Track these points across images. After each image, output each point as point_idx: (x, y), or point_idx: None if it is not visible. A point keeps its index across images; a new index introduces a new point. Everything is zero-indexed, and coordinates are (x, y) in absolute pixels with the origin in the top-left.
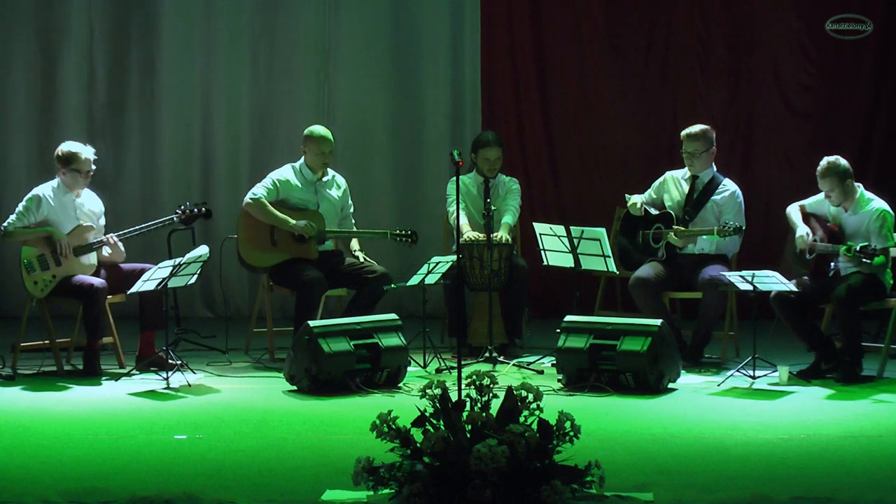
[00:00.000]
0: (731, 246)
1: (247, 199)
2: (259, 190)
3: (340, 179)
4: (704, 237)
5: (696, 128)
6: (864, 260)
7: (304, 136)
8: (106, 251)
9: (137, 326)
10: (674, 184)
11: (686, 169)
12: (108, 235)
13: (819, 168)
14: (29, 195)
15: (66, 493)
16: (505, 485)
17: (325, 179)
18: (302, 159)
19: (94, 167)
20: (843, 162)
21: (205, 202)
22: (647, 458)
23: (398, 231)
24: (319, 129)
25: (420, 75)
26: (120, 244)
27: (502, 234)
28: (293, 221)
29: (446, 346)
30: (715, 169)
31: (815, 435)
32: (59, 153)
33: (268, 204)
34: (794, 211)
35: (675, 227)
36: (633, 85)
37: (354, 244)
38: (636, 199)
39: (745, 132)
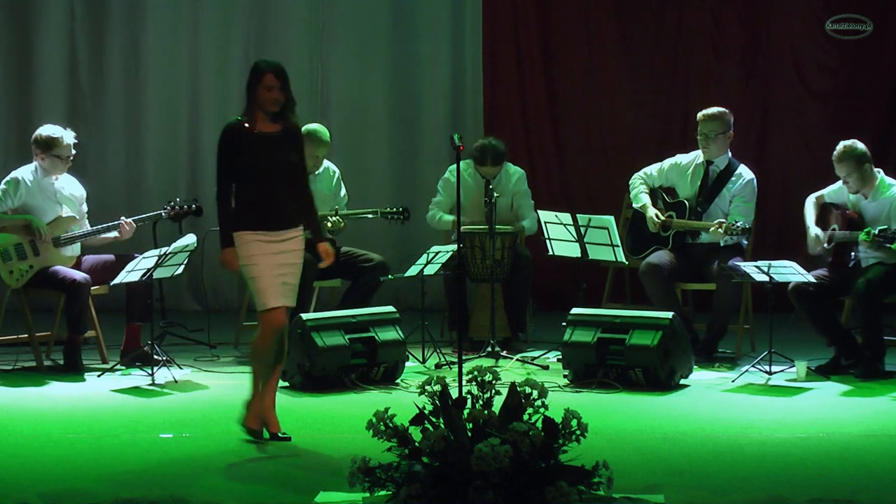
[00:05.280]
0: (738, 239)
1: None
2: None
3: (333, 168)
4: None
5: (714, 109)
6: (883, 244)
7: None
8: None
9: (121, 319)
10: (685, 172)
11: (698, 153)
12: (126, 220)
13: (835, 153)
14: (7, 178)
15: (46, 495)
16: (508, 486)
17: (316, 174)
18: None
19: (74, 152)
20: (861, 146)
21: (195, 199)
22: (657, 459)
23: (389, 209)
24: (317, 131)
25: (419, 55)
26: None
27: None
28: None
29: (446, 341)
30: (730, 155)
31: (834, 434)
32: (38, 137)
33: None
34: (808, 207)
35: (676, 220)
36: (642, 64)
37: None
38: (652, 213)
39: (760, 115)
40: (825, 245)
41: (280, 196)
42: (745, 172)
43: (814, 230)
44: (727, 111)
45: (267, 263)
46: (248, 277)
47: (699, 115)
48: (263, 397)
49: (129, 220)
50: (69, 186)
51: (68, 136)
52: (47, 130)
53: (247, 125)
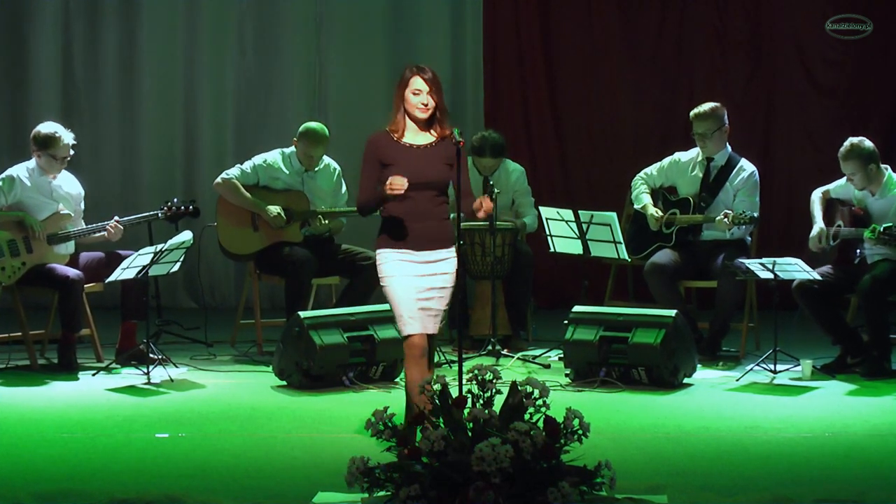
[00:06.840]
0: (745, 230)
1: (217, 178)
2: (233, 171)
3: (334, 165)
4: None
5: (705, 107)
6: (889, 242)
7: (299, 132)
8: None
9: (116, 317)
10: (686, 170)
11: (697, 150)
12: (114, 221)
13: (841, 150)
14: (2, 175)
15: (40, 495)
16: (509, 487)
17: (315, 170)
18: (293, 147)
19: (72, 153)
20: (868, 144)
21: (193, 200)
22: (660, 458)
23: None
24: (314, 130)
25: (418, 51)
26: (119, 227)
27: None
28: (264, 206)
29: (446, 339)
30: (730, 149)
31: (840, 433)
32: (37, 134)
33: (239, 185)
34: (815, 201)
35: (680, 216)
36: (645, 58)
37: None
38: (653, 211)
39: (765, 110)
40: (830, 242)
41: (429, 214)
42: (746, 166)
43: (819, 225)
44: (719, 105)
45: (406, 286)
46: (388, 298)
47: (691, 114)
48: None
49: (117, 221)
50: (66, 184)
51: (67, 137)
52: (47, 128)
53: (394, 135)
